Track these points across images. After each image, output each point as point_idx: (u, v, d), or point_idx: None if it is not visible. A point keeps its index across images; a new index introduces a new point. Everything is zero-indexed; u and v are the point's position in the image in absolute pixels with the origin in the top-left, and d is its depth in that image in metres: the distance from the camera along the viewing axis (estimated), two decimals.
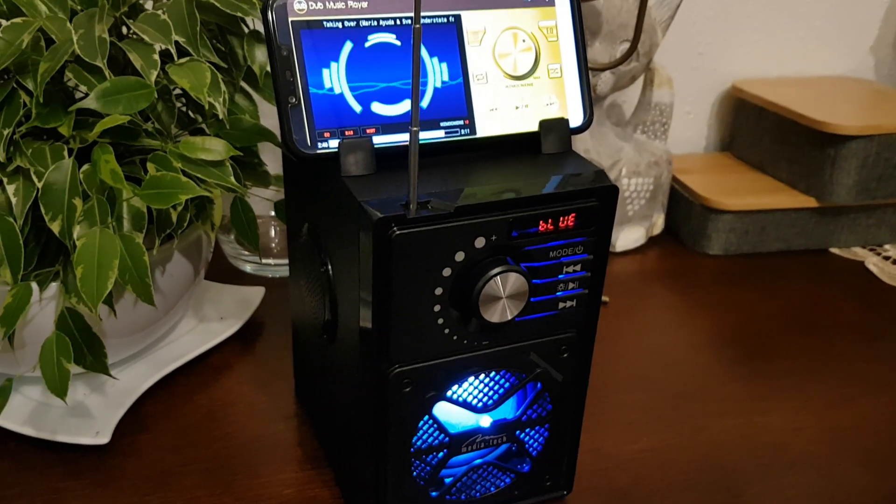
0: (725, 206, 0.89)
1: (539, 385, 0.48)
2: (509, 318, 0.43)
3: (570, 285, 0.45)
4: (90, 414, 0.57)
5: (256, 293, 0.73)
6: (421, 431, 0.46)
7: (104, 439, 0.55)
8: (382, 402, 0.44)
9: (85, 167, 0.45)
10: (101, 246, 0.40)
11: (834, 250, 0.93)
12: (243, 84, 0.55)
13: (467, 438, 0.47)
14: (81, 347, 0.47)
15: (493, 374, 0.46)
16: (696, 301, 0.81)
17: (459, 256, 0.41)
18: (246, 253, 0.81)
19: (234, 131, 0.50)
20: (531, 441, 0.50)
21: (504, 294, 0.42)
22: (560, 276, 0.44)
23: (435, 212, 0.40)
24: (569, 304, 0.46)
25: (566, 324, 0.46)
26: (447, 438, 0.47)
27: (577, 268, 0.45)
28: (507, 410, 0.48)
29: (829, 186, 0.88)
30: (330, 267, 0.47)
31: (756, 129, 0.99)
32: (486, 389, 0.46)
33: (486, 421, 0.48)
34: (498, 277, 0.41)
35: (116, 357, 0.60)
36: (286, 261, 0.80)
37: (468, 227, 0.41)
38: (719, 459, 0.59)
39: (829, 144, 0.87)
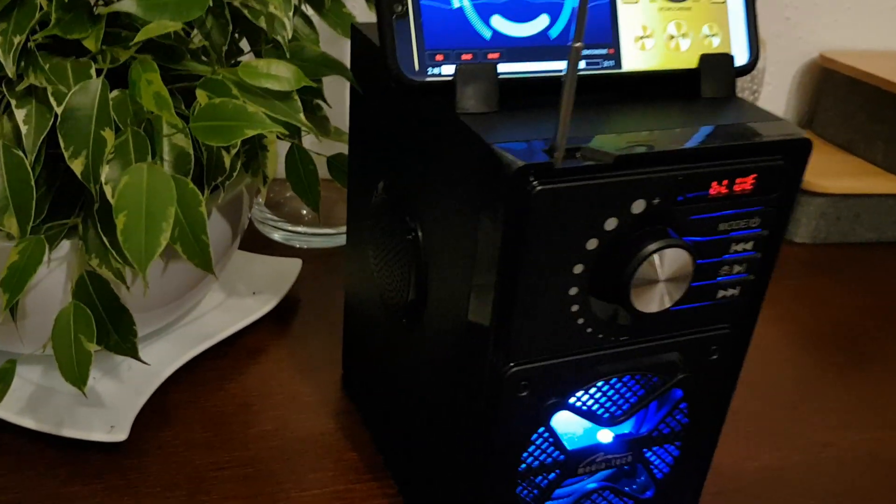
0: (820, 187, 0.80)
1: (679, 393, 0.39)
2: (666, 306, 0.34)
3: (736, 268, 0.36)
4: (103, 403, 0.47)
5: (293, 266, 0.63)
6: (533, 447, 0.36)
7: (121, 435, 0.46)
8: (490, 407, 0.35)
9: (115, 93, 0.35)
10: (150, 187, 0.30)
11: None
12: (304, 7, 0.45)
13: (586, 457, 0.38)
14: (105, 323, 0.37)
15: (627, 377, 0.36)
16: (789, 293, 0.72)
17: (610, 224, 0.32)
18: (275, 217, 0.72)
19: (295, 61, 0.41)
20: (658, 461, 0.41)
21: (663, 276, 0.33)
22: (725, 257, 0.35)
23: (590, 161, 0.30)
24: (730, 292, 0.36)
25: (721, 318, 0.37)
26: (563, 456, 0.37)
27: (748, 246, 0.35)
28: (631, 424, 0.39)
29: None
30: (420, 234, 0.38)
31: (846, 104, 0.89)
32: (616, 397, 0.37)
33: (605, 436, 0.39)
34: (658, 254, 0.32)
35: None
36: (320, 230, 0.71)
37: (627, 184, 0.31)
38: (852, 481, 0.50)
39: None
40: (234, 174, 0.39)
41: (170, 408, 0.50)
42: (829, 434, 0.54)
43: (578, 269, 0.32)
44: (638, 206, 0.32)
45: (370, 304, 0.46)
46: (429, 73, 0.33)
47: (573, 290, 0.33)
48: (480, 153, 0.31)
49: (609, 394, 0.37)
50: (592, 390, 0.36)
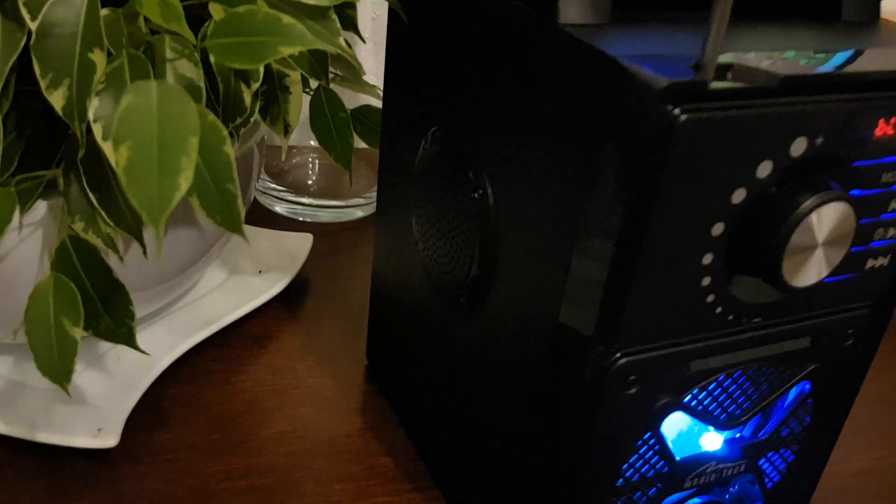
0: None
1: (807, 387, 0.32)
2: (822, 276, 0.26)
3: (890, 232, 0.29)
4: (87, 401, 0.40)
5: (303, 242, 0.55)
6: (636, 457, 0.29)
7: (110, 440, 0.38)
8: (587, 410, 0.27)
9: (105, 11, 0.27)
10: (163, 110, 0.22)
11: None
12: None
13: (695, 468, 0.31)
14: (94, 302, 0.30)
15: (752, 370, 0.29)
16: None
17: (764, 169, 0.25)
18: (278, 187, 0.64)
19: None
20: (770, 469, 0.34)
21: (822, 240, 0.26)
22: (882, 216, 0.28)
23: (748, 84, 0.23)
24: (879, 261, 0.29)
25: (863, 294, 0.30)
26: (667, 468, 0.30)
27: None
28: (747, 426, 0.32)
29: None
30: (490, 193, 0.30)
31: None
32: (738, 393, 0.30)
33: (712, 442, 0.32)
34: (819, 211, 0.25)
35: None
36: (328, 202, 0.63)
37: (790, 117, 0.24)
38: None
39: None
40: (252, 118, 0.31)
41: (167, 406, 0.43)
42: None
43: (718, 229, 0.25)
44: (798, 147, 0.25)
45: (409, 283, 0.39)
46: None
47: (708, 258, 0.26)
48: (598, 73, 0.23)
49: (730, 390, 0.29)
50: (712, 385, 0.29)
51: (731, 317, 0.27)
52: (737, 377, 0.29)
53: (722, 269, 0.26)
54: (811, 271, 0.26)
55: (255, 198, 0.64)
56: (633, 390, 0.27)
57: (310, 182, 0.66)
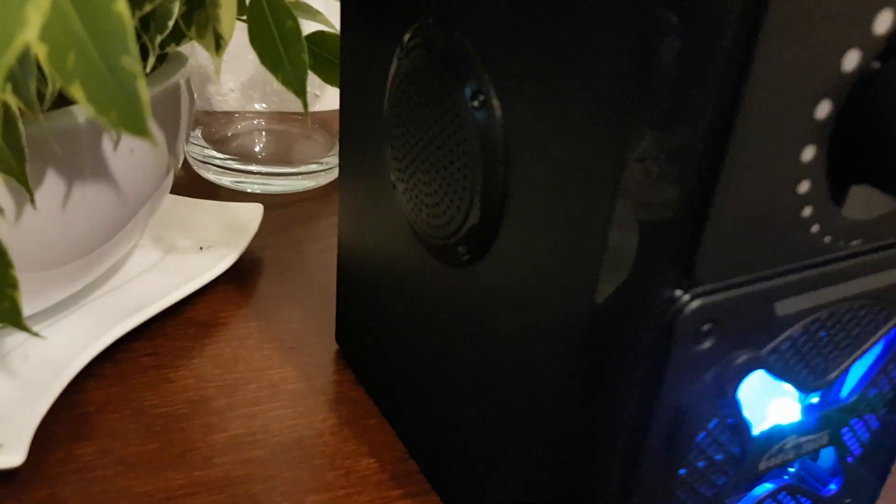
0: None
1: None
2: None
3: None
4: None
5: (252, 213, 0.48)
6: (704, 434, 0.23)
7: (15, 457, 0.30)
8: (646, 374, 0.21)
9: None
10: None
11: None
12: None
13: (771, 446, 0.25)
14: None
15: (847, 310, 0.23)
16: None
17: (883, 23, 0.18)
18: (221, 156, 0.56)
19: None
20: (852, 440, 0.28)
21: None
22: None
23: None
24: None
25: None
26: (741, 447, 0.24)
27: None
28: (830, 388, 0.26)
29: None
30: (496, 103, 0.23)
31: None
32: (827, 343, 0.23)
33: (785, 412, 0.25)
34: None
35: (32, 308, 0.35)
36: (281, 169, 0.56)
37: None
38: None
39: None
40: (170, 22, 0.24)
41: (90, 413, 0.35)
42: None
43: (824, 109, 0.19)
44: None
45: (387, 241, 0.32)
46: None
47: (809, 153, 0.19)
48: None
49: (821, 337, 0.23)
50: (799, 333, 0.22)
51: (828, 238, 0.21)
52: (828, 321, 0.23)
53: (824, 171, 0.20)
54: None
55: (196, 170, 0.56)
56: (707, 343, 0.21)
57: (257, 148, 0.59)
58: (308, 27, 0.37)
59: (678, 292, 0.20)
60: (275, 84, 0.58)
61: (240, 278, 0.45)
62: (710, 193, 0.18)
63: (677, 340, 0.20)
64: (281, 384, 0.38)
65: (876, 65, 0.19)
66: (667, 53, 0.18)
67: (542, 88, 0.22)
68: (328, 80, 0.35)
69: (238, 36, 0.30)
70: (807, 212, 0.20)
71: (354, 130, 0.33)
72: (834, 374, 0.24)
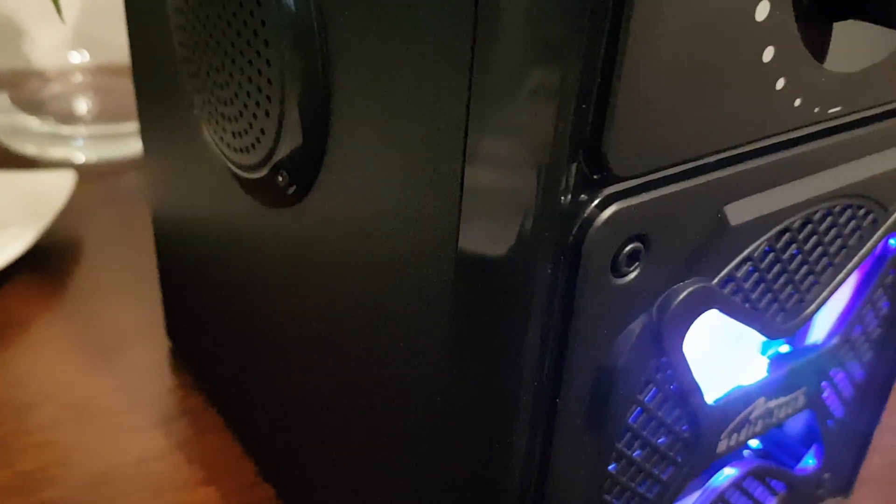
0: None
1: (893, 244, 0.19)
2: None
3: None
4: None
5: (59, 181, 0.39)
6: (639, 409, 0.16)
7: None
8: (545, 325, 0.14)
9: None
10: None
11: None
12: None
13: (733, 416, 0.18)
14: None
15: (823, 213, 0.17)
16: None
17: None
18: (37, 119, 0.47)
19: None
20: (833, 399, 0.22)
21: None
22: None
23: None
24: None
25: None
26: (689, 425, 0.17)
27: None
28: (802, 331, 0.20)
29: None
30: None
31: None
32: (799, 264, 0.17)
33: (752, 366, 0.19)
34: None
35: None
36: (110, 128, 0.47)
37: None
38: None
39: None
40: None
41: None
42: None
43: None
44: None
45: (198, 187, 0.24)
46: None
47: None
48: None
49: (790, 257, 0.17)
50: (764, 251, 0.16)
51: (798, 101, 0.14)
52: (801, 231, 0.17)
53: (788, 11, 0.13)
54: None
55: (6, 143, 0.47)
56: (632, 274, 0.14)
57: (83, 106, 0.50)
58: None
59: (582, 196, 0.13)
60: (99, 30, 0.49)
61: (45, 265, 0.37)
62: (617, 23, 0.12)
63: (587, 271, 0.13)
64: (89, 401, 0.30)
65: None
66: None
67: None
68: None
69: None
70: (768, 55, 0.13)
71: (142, 31, 0.25)
72: (810, 309, 0.18)
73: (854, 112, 0.16)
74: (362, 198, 0.17)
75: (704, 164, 0.14)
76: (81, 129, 0.46)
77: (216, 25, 0.19)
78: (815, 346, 0.20)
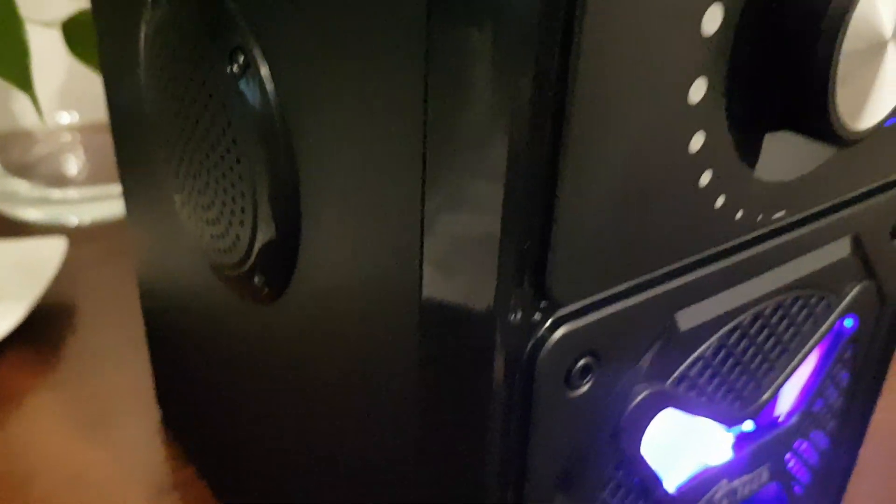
0: None
1: (848, 324, 0.20)
2: None
3: None
4: None
5: (50, 250, 0.40)
6: None
7: None
8: (506, 429, 0.15)
9: None
10: None
11: None
12: None
13: (697, 499, 0.19)
14: None
15: (774, 308, 0.18)
16: None
17: None
18: (28, 183, 0.48)
19: None
20: (799, 469, 0.22)
21: (894, 27, 0.14)
22: None
23: None
24: None
25: None
26: None
27: None
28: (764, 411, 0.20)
29: None
30: (265, 73, 0.17)
31: None
32: (753, 356, 0.18)
33: (712, 450, 0.20)
34: None
35: None
36: (102, 189, 0.48)
37: None
38: None
39: None
40: None
41: None
42: None
43: (711, 22, 0.13)
44: None
45: (181, 273, 0.25)
46: None
47: (699, 88, 0.13)
48: None
49: (743, 351, 0.17)
50: (715, 350, 0.17)
51: (740, 213, 0.15)
52: (753, 327, 0.17)
53: (724, 116, 0.14)
54: (882, 93, 0.14)
55: None
56: (585, 386, 0.15)
57: (74, 167, 0.51)
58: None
59: (537, 316, 0.14)
60: (88, 87, 0.50)
61: (39, 334, 0.37)
62: (552, 168, 0.12)
63: (541, 386, 0.14)
64: (85, 473, 0.30)
65: None
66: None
67: (322, 50, 0.15)
68: (89, 62, 0.28)
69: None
70: (706, 178, 0.14)
71: (124, 124, 0.26)
72: (767, 395, 0.18)
73: (798, 214, 0.17)
74: (334, 300, 0.18)
75: (651, 278, 0.15)
76: (72, 192, 0.47)
77: (187, 125, 0.20)
78: (778, 423, 0.20)
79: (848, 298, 0.19)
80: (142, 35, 0.21)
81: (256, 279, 0.20)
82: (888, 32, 0.14)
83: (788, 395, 0.20)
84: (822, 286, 0.18)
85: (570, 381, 0.14)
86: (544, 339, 0.14)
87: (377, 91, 0.14)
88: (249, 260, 0.20)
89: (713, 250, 0.16)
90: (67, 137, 0.51)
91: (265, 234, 0.19)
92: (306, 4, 0.15)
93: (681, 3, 0.12)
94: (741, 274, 0.16)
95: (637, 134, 0.13)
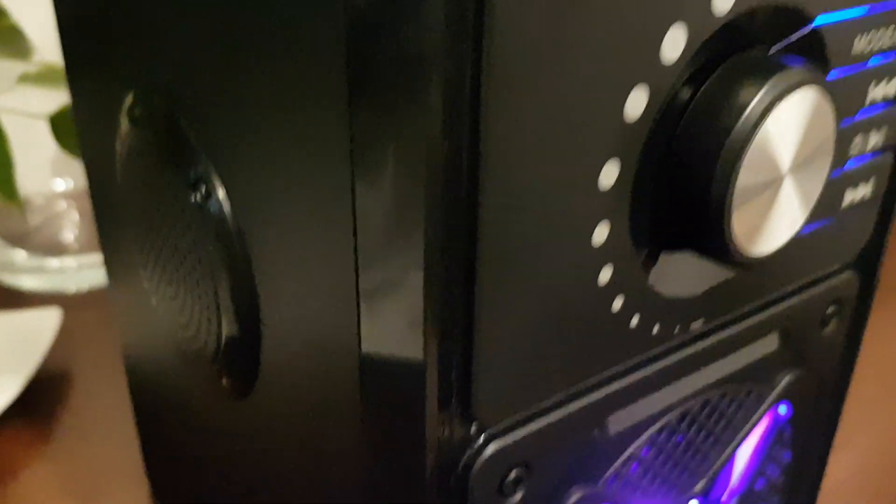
0: None
1: (783, 410, 0.21)
2: (797, 228, 0.16)
3: (872, 140, 0.19)
4: None
5: (44, 322, 0.41)
6: None
7: None
8: None
9: None
10: None
11: None
12: None
13: None
14: None
15: (702, 406, 0.19)
16: None
17: (673, 46, 0.14)
18: (24, 252, 0.50)
19: None
20: None
21: (790, 163, 0.15)
22: (859, 115, 0.18)
23: None
24: (860, 192, 0.19)
25: (839, 250, 0.20)
26: None
27: (891, 90, 0.18)
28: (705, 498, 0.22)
29: None
30: (221, 194, 0.18)
31: None
32: (685, 451, 0.19)
33: None
34: (782, 106, 0.14)
35: None
36: (99, 257, 0.49)
37: None
38: None
39: None
40: None
41: None
42: None
43: (611, 173, 0.14)
44: (722, 2, 0.14)
45: (161, 361, 0.26)
46: None
47: (602, 230, 0.14)
48: None
49: (675, 447, 0.19)
50: (645, 450, 0.18)
51: (656, 329, 0.17)
52: (682, 423, 0.18)
53: (628, 247, 0.15)
54: (780, 223, 0.15)
55: None
56: (518, 494, 0.16)
57: (70, 235, 0.52)
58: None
59: (470, 431, 0.15)
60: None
61: (33, 405, 0.39)
62: (469, 304, 0.14)
63: (475, 496, 0.15)
64: None
65: (686, 93, 0.15)
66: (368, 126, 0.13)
67: (267, 175, 0.17)
68: (77, 155, 0.30)
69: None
70: (618, 304, 0.15)
71: (106, 214, 0.27)
72: (701, 485, 0.19)
73: (717, 321, 0.18)
74: (294, 400, 0.19)
75: (576, 391, 0.16)
76: (69, 261, 0.48)
77: (158, 236, 0.21)
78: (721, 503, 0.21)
79: (778, 388, 0.20)
80: (117, 148, 0.23)
81: (224, 381, 0.21)
82: (784, 167, 0.15)
83: (728, 478, 0.22)
84: (751, 379, 0.19)
85: (503, 491, 0.16)
86: (477, 453, 0.15)
87: (313, 217, 0.15)
88: (218, 362, 0.21)
89: (636, 359, 0.17)
90: (63, 205, 0.52)
91: (229, 331, 0.20)
92: (250, 137, 0.17)
93: (577, 166, 0.14)
94: (668, 377, 0.17)
95: (547, 277, 0.14)
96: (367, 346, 0.15)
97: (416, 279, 0.13)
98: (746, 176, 0.14)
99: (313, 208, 0.15)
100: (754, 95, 0.14)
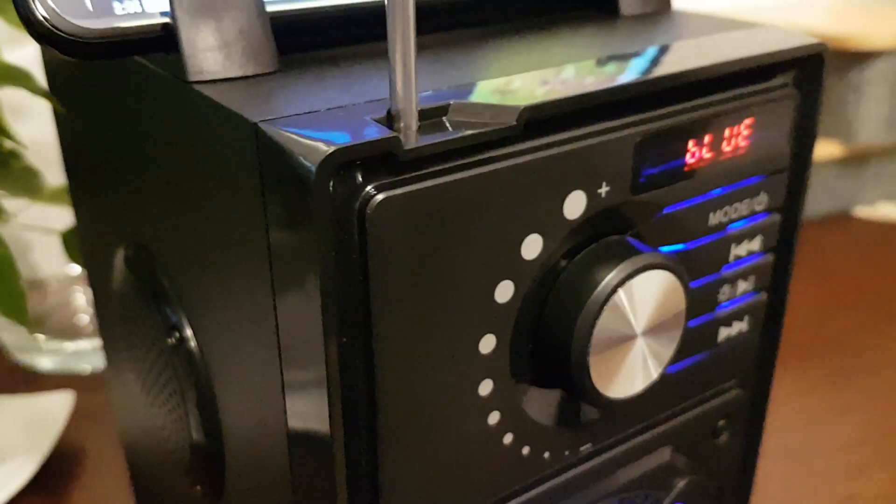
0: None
1: None
2: (652, 379, 0.19)
3: (741, 287, 0.22)
4: None
5: (58, 404, 0.45)
6: None
7: None
8: None
9: None
10: None
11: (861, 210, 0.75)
12: None
13: None
14: None
15: None
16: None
17: (532, 247, 0.17)
18: (42, 335, 0.53)
19: None
20: None
21: (640, 328, 0.19)
22: (723, 270, 0.22)
23: (471, 130, 0.16)
24: (736, 328, 0.23)
25: (724, 372, 0.23)
26: None
27: (755, 246, 0.22)
28: None
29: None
30: (190, 335, 0.22)
31: None
32: None
33: None
34: (628, 287, 0.18)
35: None
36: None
37: (551, 164, 0.17)
38: None
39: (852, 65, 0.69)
40: None
41: None
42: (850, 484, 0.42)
43: (488, 343, 0.18)
44: (575, 206, 0.18)
45: (154, 454, 0.30)
46: (117, 12, 0.17)
47: (486, 386, 0.18)
48: (247, 148, 0.16)
49: None
50: None
51: (546, 454, 0.20)
52: None
53: (512, 392, 0.19)
54: (636, 373, 0.19)
55: (15, 358, 0.53)
56: None
57: (85, 317, 0.56)
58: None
59: None
60: None
61: (48, 484, 0.42)
62: (375, 441, 0.17)
63: None
64: None
65: (551, 272, 0.18)
66: (287, 297, 0.16)
67: (221, 317, 0.20)
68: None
69: None
70: (508, 438, 0.19)
71: (107, 321, 0.31)
72: None
73: (606, 441, 0.21)
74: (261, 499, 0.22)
75: None
76: (85, 343, 0.52)
77: (147, 372, 0.25)
78: None
79: (674, 493, 0.23)
80: (114, 278, 0.27)
81: (198, 487, 0.25)
82: (638, 329, 0.19)
83: None
84: (646, 487, 0.23)
85: None
86: None
87: (257, 361, 0.19)
88: (189, 474, 0.24)
89: (531, 486, 0.20)
90: (77, 289, 0.56)
91: (197, 437, 0.23)
92: (205, 289, 0.20)
93: (457, 339, 0.17)
94: (563, 493, 0.21)
95: (442, 423, 0.18)
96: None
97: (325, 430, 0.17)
98: (603, 334, 0.18)
99: (255, 341, 0.19)
100: (611, 272, 0.18)
